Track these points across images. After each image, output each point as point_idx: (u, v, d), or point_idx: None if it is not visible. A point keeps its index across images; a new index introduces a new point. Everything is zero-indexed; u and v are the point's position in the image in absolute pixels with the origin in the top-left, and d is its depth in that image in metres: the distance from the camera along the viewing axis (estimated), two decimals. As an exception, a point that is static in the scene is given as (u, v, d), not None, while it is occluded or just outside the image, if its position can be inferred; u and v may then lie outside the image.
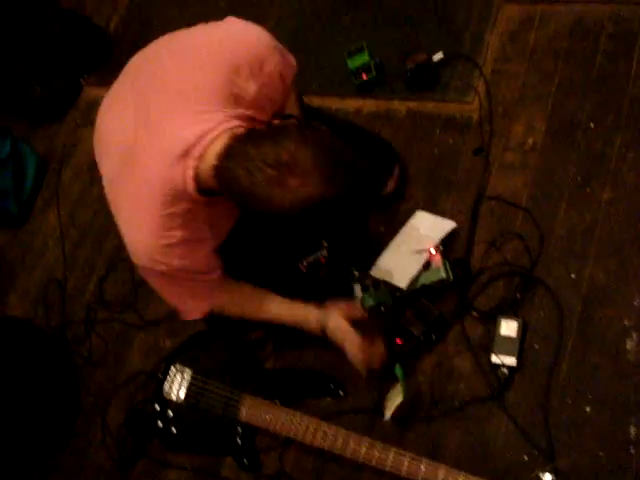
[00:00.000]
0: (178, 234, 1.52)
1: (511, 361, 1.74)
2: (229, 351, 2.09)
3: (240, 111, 1.46)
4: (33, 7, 2.82)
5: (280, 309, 1.81)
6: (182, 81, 1.48)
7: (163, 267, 1.56)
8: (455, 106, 2.14)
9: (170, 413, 2.04)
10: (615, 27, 1.99)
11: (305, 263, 2.07)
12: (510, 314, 1.79)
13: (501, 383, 1.74)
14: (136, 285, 2.41)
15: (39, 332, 2.50)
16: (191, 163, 1.42)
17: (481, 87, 2.11)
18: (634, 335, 1.67)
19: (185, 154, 1.41)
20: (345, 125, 2.20)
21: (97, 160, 1.69)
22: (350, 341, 1.76)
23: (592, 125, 1.92)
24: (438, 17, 2.26)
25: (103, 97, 1.69)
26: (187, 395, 2.04)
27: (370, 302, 1.89)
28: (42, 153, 2.92)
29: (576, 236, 1.82)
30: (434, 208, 2.02)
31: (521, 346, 1.75)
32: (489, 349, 1.78)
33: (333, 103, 2.34)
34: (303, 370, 2.02)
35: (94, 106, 2.91)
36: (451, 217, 1.97)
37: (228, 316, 1.83)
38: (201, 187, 1.46)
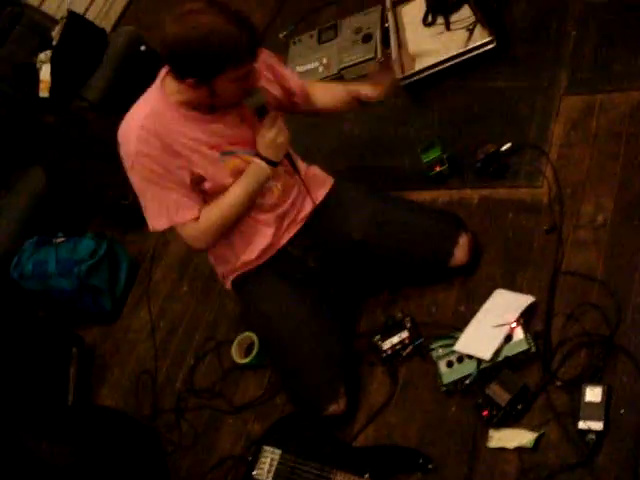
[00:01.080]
0: (142, 120, 1.95)
1: (598, 426, 1.75)
2: (316, 431, 2.14)
3: None
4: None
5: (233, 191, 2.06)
6: None
7: (144, 148, 1.92)
8: (525, 191, 2.26)
9: (261, 494, 2.10)
10: (673, 109, 2.12)
11: (389, 345, 2.17)
12: (594, 382, 1.83)
13: (590, 448, 1.75)
14: (224, 373, 2.53)
15: (129, 420, 2.60)
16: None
17: (549, 172, 2.24)
18: None
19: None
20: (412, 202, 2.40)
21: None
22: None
23: (658, 200, 2.01)
24: (504, 112, 2.43)
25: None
26: (277, 476, 2.08)
27: (452, 378, 1.98)
28: (134, 254, 3.14)
29: (653, 303, 1.88)
30: (512, 286, 2.10)
31: (607, 411, 1.77)
32: (575, 416, 1.80)
33: (409, 196, 2.47)
34: (392, 446, 2.06)
35: (181, 210, 3.14)
36: (529, 293, 2.05)
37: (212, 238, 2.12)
38: (170, 96, 1.94)
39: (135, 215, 3.19)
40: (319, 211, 2.22)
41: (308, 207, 2.22)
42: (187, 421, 2.52)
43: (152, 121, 1.93)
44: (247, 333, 2.47)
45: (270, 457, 2.13)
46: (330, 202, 2.24)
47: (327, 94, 2.31)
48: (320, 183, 2.27)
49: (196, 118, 1.97)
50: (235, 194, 2.04)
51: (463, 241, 2.15)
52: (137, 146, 1.93)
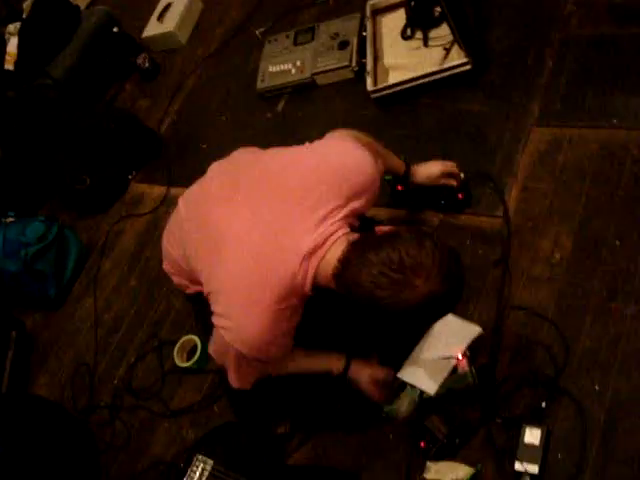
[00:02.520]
0: (284, 326, 1.67)
1: (534, 469, 1.74)
2: (252, 445, 2.09)
3: (351, 219, 1.68)
4: (90, 104, 3.03)
5: (308, 364, 1.96)
6: (304, 191, 1.65)
7: (257, 355, 1.68)
8: (485, 220, 2.22)
9: (189, 503, 2.05)
10: (640, 152, 2.10)
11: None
12: (534, 422, 1.80)
13: (523, 491, 1.74)
14: (163, 374, 2.47)
15: (63, 413, 2.53)
16: (314, 263, 1.59)
17: (511, 203, 2.21)
18: (658, 449, 1.68)
19: (311, 253, 1.59)
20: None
21: (185, 238, 1.86)
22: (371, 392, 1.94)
23: (617, 243, 1.98)
24: (473, 136, 2.39)
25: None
26: (206, 486, 2.05)
27: (391, 406, 1.95)
28: (85, 241, 3.05)
29: (601, 348, 1.86)
30: (463, 314, 2.05)
31: (544, 454, 1.76)
32: (513, 456, 1.78)
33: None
34: (324, 467, 2.02)
35: (139, 201, 3.09)
36: (479, 323, 2.02)
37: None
38: (315, 284, 1.62)
39: (90, 201, 3.15)
40: None
41: None
42: (121, 420, 2.46)
43: (289, 326, 1.71)
44: (191, 336, 2.42)
45: (201, 466, 2.07)
46: None
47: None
48: None
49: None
50: (308, 369, 1.97)
51: None
52: (256, 354, 1.70)
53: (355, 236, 1.61)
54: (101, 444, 2.43)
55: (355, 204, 1.68)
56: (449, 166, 2.17)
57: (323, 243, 1.59)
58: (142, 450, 2.36)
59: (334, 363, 1.94)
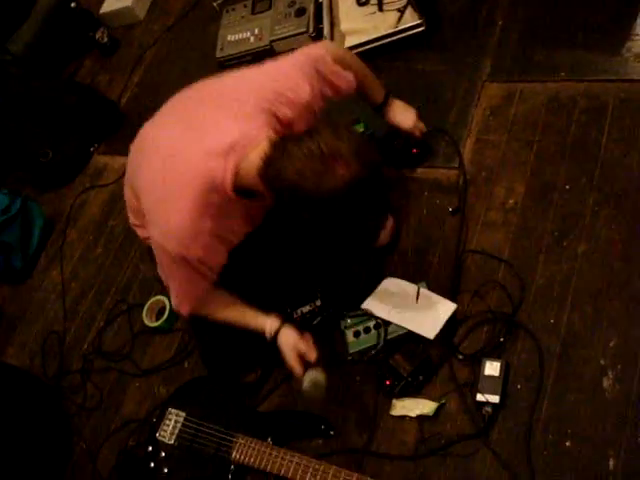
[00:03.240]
0: (208, 224, 1.71)
1: (495, 399, 1.82)
2: (223, 395, 2.15)
3: (277, 126, 1.71)
4: (50, 78, 3.04)
5: (245, 318, 1.95)
6: (234, 100, 1.75)
7: (184, 252, 1.71)
8: (442, 172, 2.31)
9: (162, 454, 2.08)
10: (587, 102, 2.19)
11: (299, 313, 2.18)
12: (494, 357, 1.89)
13: (485, 421, 1.82)
14: (133, 336, 2.51)
15: (31, 379, 2.56)
16: (233, 159, 1.64)
17: (466, 154, 2.29)
18: (610, 373, 1.77)
19: (229, 150, 1.65)
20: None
21: (131, 173, 1.94)
22: (288, 358, 1.88)
23: (567, 187, 2.08)
24: (427, 94, 2.47)
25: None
26: (180, 437, 2.08)
27: (358, 347, 2.03)
28: (49, 214, 3.07)
29: (554, 285, 1.95)
30: (422, 262, 2.16)
31: (504, 386, 1.84)
32: (474, 389, 1.87)
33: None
34: (295, 411, 2.09)
35: (102, 172, 3.11)
36: (437, 270, 2.12)
37: (202, 316, 1.97)
38: (237, 186, 1.67)
39: (53, 174, 3.15)
40: None
41: None
42: (93, 383, 2.50)
43: (214, 227, 1.74)
44: (159, 297, 2.46)
45: (174, 419, 2.12)
46: None
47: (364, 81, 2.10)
48: None
49: (243, 204, 1.79)
50: (236, 320, 1.95)
51: (388, 225, 2.19)
52: (190, 250, 1.73)
53: (276, 137, 1.67)
54: (73, 408, 2.47)
55: (282, 113, 1.74)
56: (421, 124, 2.22)
57: (243, 143, 1.65)
58: (115, 410, 2.40)
59: (268, 324, 1.92)
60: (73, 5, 3.38)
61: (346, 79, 1.93)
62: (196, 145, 1.69)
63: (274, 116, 1.73)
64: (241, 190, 1.70)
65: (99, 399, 2.44)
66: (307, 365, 1.87)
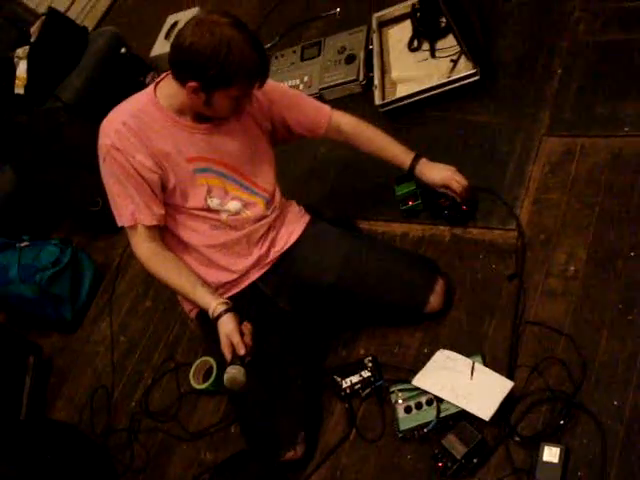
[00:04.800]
0: (126, 116, 1.94)
1: (554, 488, 1.73)
2: (268, 471, 2.08)
3: None
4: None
5: (192, 289, 2.00)
6: None
7: (107, 141, 1.92)
8: (498, 233, 2.21)
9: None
10: (653, 159, 2.07)
11: (349, 382, 2.11)
12: (553, 440, 1.78)
13: (544, 512, 1.72)
14: (180, 396, 2.47)
15: (82, 437, 2.54)
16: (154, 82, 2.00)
17: (523, 215, 2.19)
18: (679, 465, 1.65)
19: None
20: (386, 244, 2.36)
21: None
22: (222, 344, 1.90)
23: (632, 254, 1.96)
24: (483, 148, 2.37)
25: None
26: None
27: (410, 425, 1.94)
28: (100, 263, 3.07)
29: (618, 363, 1.83)
30: (478, 331, 2.06)
31: (564, 473, 1.73)
32: (531, 475, 1.76)
33: (380, 227, 2.44)
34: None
35: (151, 221, 3.08)
36: (493, 342, 2.01)
37: (153, 273, 2.07)
38: (160, 98, 1.95)
39: (104, 222, 3.15)
40: (292, 249, 2.16)
41: (281, 243, 2.16)
42: (139, 443, 2.46)
43: (136, 121, 1.93)
44: (206, 357, 2.41)
45: (217, 495, 2.08)
46: (304, 241, 2.17)
47: (372, 144, 2.25)
48: (295, 220, 2.21)
49: (184, 125, 1.97)
50: (186, 289, 2.02)
51: (439, 288, 2.10)
52: (113, 140, 1.92)
53: None
54: (120, 467, 2.44)
55: None
56: (459, 177, 2.17)
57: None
58: (160, 473, 2.36)
59: (213, 306, 1.94)
60: (123, 51, 3.40)
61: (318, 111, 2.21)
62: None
63: None
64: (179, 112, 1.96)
65: (145, 460, 2.41)
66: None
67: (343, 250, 2.14)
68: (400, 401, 1.99)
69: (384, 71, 2.72)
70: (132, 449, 2.46)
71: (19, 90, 3.29)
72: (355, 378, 2.11)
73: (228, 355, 1.89)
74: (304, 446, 2.04)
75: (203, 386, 2.38)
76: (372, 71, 2.73)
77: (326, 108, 2.23)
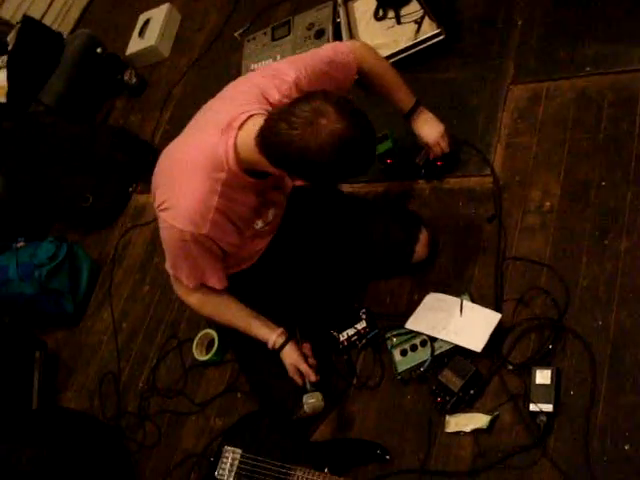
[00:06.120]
0: (216, 200, 1.80)
1: (548, 408, 1.79)
2: (276, 429, 2.16)
3: (268, 107, 1.85)
4: (84, 123, 3.12)
5: (248, 326, 2.07)
6: (239, 93, 1.91)
7: (194, 230, 1.81)
8: (475, 180, 2.29)
9: (224, 494, 2.10)
10: (615, 94, 2.15)
11: (345, 336, 2.19)
12: (544, 364, 1.86)
13: (541, 430, 1.79)
14: (185, 371, 2.54)
15: (93, 422, 2.62)
16: (231, 133, 1.76)
17: (497, 160, 2.27)
18: (665, 372, 1.73)
19: (227, 127, 1.77)
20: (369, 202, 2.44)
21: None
22: (290, 372, 2.03)
23: (603, 183, 2.04)
24: (453, 103, 2.46)
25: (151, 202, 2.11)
26: (238, 474, 2.10)
27: (406, 366, 2.02)
28: (95, 256, 3.14)
29: (599, 285, 1.91)
30: (463, 274, 2.14)
31: (557, 393, 1.81)
32: (527, 399, 1.84)
33: (362, 188, 2.52)
34: (349, 439, 2.09)
35: (142, 211, 3.17)
36: (479, 281, 2.10)
37: (206, 316, 2.16)
38: (241, 163, 1.78)
39: (95, 217, 3.23)
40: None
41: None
42: (150, 420, 2.53)
43: (225, 201, 1.83)
44: (207, 330, 2.49)
45: (231, 457, 2.14)
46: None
47: (382, 88, 2.18)
48: None
49: (253, 184, 1.88)
50: (241, 328, 2.07)
51: (423, 238, 2.17)
52: (208, 231, 1.83)
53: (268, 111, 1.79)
54: (133, 445, 2.51)
55: (271, 95, 1.85)
56: (444, 144, 2.21)
57: (239, 118, 1.76)
58: (174, 446, 2.44)
59: (273, 337, 2.03)
60: (99, 51, 3.47)
61: (345, 70, 2.03)
62: (198, 135, 1.87)
63: (264, 97, 1.84)
64: (247, 170, 1.81)
65: (157, 436, 2.48)
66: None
67: (331, 207, 2.25)
68: (395, 346, 2.07)
69: (353, 42, 2.80)
70: (144, 427, 2.53)
71: (1, 99, 3.36)
72: (351, 331, 2.19)
73: (298, 380, 2.01)
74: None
75: (206, 357, 2.45)
76: (341, 43, 2.80)
77: (351, 66, 2.05)
